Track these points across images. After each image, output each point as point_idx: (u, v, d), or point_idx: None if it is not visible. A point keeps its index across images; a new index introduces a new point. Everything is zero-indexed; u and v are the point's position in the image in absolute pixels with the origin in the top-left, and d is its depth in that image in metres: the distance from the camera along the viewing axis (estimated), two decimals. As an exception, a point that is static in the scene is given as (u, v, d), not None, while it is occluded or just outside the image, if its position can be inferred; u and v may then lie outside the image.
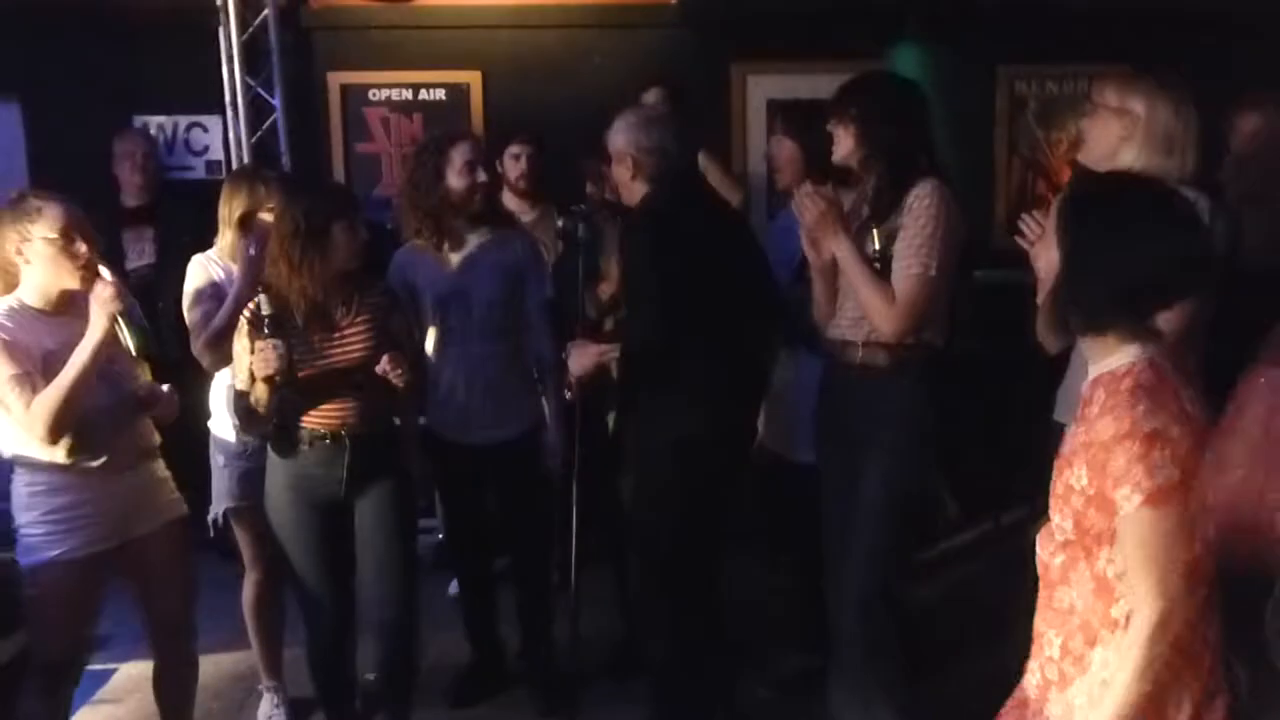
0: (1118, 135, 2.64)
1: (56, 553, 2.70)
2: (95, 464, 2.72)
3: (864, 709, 2.96)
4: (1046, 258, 1.87)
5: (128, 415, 2.80)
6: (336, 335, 2.90)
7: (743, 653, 3.58)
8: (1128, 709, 1.71)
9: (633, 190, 3.07)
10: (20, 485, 2.72)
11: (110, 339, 2.64)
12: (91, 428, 2.67)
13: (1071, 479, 1.79)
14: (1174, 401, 1.72)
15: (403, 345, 2.98)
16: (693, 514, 3.04)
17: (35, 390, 2.59)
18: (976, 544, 4.74)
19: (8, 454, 2.73)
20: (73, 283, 2.67)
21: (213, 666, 3.69)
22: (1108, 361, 1.78)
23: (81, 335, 2.63)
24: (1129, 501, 1.68)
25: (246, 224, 3.19)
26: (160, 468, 2.93)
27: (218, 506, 3.33)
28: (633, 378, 3.09)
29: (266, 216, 3.13)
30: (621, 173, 3.07)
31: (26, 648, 2.89)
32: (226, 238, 3.26)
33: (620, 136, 3.05)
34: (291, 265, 2.83)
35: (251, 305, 2.86)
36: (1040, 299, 1.96)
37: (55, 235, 2.63)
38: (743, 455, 3.23)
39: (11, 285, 2.72)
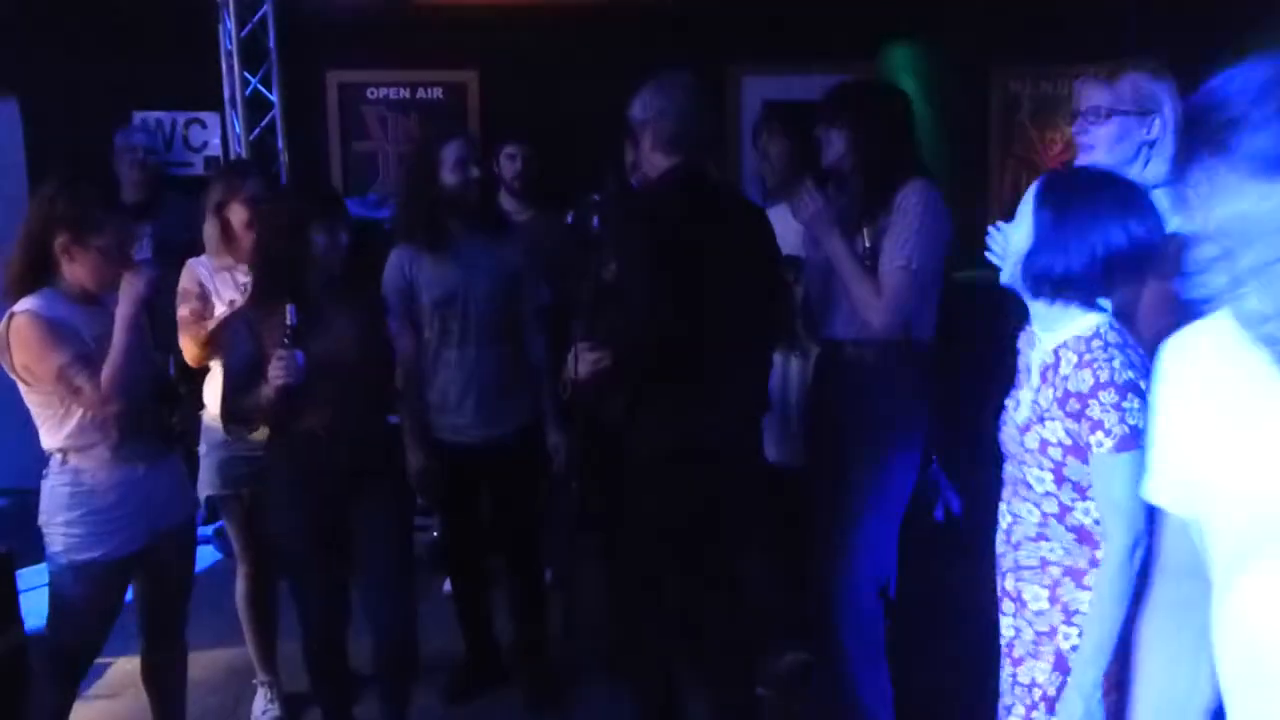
0: (1140, 140, 2.31)
1: (99, 553, 2.70)
2: (141, 448, 2.75)
3: (855, 703, 2.99)
4: (1018, 234, 2.00)
5: (157, 397, 2.84)
6: (323, 333, 2.91)
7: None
8: (1106, 637, 1.83)
9: (653, 162, 2.87)
10: (58, 485, 2.70)
11: (138, 319, 2.66)
12: (140, 404, 2.71)
13: (1046, 434, 1.94)
14: (1141, 360, 1.88)
15: (386, 351, 3.03)
16: (683, 533, 2.90)
17: (94, 367, 2.60)
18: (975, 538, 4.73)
19: (50, 448, 2.71)
20: (115, 283, 2.68)
21: (209, 661, 3.73)
22: (1069, 328, 1.94)
23: (109, 324, 2.66)
24: (1100, 446, 1.85)
25: (221, 211, 3.27)
26: (181, 461, 2.98)
27: (200, 494, 3.36)
28: (622, 386, 2.88)
29: (239, 206, 3.23)
30: (644, 147, 2.88)
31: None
32: (208, 229, 3.32)
33: (635, 106, 2.88)
34: (274, 263, 2.87)
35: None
36: (1006, 272, 2.05)
37: (110, 242, 2.65)
38: (746, 468, 3.00)
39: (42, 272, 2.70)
